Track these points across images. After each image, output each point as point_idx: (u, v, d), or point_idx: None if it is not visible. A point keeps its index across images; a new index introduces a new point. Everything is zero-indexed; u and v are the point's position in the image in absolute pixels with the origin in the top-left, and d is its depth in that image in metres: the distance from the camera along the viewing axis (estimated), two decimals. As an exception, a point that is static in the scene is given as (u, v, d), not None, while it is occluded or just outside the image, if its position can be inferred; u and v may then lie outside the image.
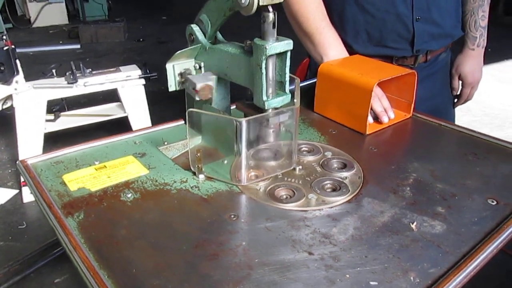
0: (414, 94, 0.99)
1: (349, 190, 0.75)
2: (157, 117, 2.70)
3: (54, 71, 2.32)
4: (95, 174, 0.80)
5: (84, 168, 0.81)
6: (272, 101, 0.77)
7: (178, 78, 0.91)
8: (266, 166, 0.81)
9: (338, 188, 0.75)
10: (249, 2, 0.70)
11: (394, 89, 1.02)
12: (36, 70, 4.15)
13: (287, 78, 0.79)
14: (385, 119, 0.96)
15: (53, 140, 2.82)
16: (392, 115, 0.98)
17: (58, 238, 0.66)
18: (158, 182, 0.78)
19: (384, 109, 0.98)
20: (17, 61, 2.22)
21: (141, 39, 5.17)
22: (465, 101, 1.35)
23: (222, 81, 0.89)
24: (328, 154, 0.86)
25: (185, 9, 7.01)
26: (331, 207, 0.71)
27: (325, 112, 1.01)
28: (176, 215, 0.69)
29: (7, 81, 2.23)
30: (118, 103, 2.55)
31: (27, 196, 2.32)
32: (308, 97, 1.05)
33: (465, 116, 3.24)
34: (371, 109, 0.97)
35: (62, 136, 2.80)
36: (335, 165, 0.83)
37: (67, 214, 0.69)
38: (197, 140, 0.88)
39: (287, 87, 0.80)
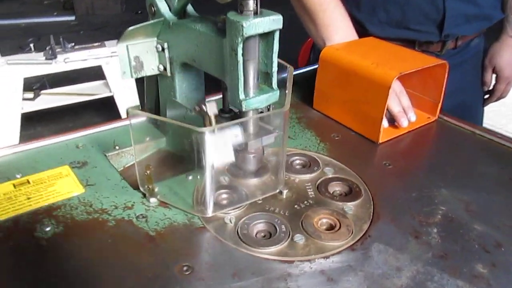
0: (442, 92, 0.77)
1: (352, 231, 0.54)
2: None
3: (32, 45, 2.11)
4: (13, 193, 0.59)
5: (0, 184, 0.61)
6: (253, 100, 0.56)
7: (133, 63, 0.69)
8: (242, 187, 0.60)
9: (337, 226, 0.54)
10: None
11: (417, 84, 0.80)
12: (27, 43, 3.91)
13: (275, 68, 0.57)
14: (404, 123, 0.74)
15: (33, 121, 2.62)
16: (413, 118, 0.76)
17: None
18: (93, 207, 0.57)
19: (403, 109, 0.76)
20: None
21: (140, 11, 4.90)
22: (498, 98, 1.12)
23: (193, 68, 0.67)
24: (328, 172, 0.64)
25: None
26: (326, 257, 0.50)
27: (327, 110, 0.80)
28: (106, 264, 0.49)
29: (-20, 55, 2.02)
30: (104, 81, 2.33)
31: None
32: (308, 88, 0.82)
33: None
34: (387, 109, 0.75)
35: (43, 116, 2.59)
36: (337, 189, 0.62)
37: (-47, 258, 0.49)
38: (146, 149, 0.66)
39: (275, 80, 0.58)
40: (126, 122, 0.77)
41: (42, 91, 2.25)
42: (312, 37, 0.89)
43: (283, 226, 0.54)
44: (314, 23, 0.85)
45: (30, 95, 2.20)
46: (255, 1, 0.51)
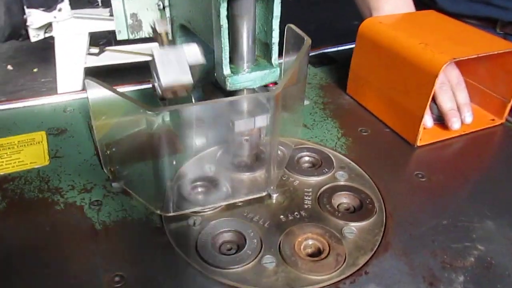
0: (516, 88, 0.58)
1: (343, 262, 0.40)
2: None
3: (100, 0, 2.10)
4: (-26, 155, 0.53)
5: (-35, 143, 0.55)
6: (240, 77, 0.44)
7: (130, 21, 0.60)
8: (225, 182, 0.49)
9: (326, 252, 0.42)
10: None
11: (484, 75, 0.62)
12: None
13: (276, 38, 0.45)
14: (455, 124, 0.58)
15: (102, 75, 2.66)
16: (469, 119, 0.59)
17: None
18: (48, 184, 0.49)
19: (458, 106, 0.59)
20: (63, -14, 2.02)
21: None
22: None
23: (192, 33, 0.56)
24: (341, 177, 0.51)
25: None
26: (299, 294, 0.38)
27: (361, 98, 0.65)
28: (32, 257, 0.41)
29: (50, 7, 2.05)
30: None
31: None
32: (345, 69, 0.68)
33: None
34: (435, 102, 0.59)
35: (107, 72, 2.62)
36: (344, 202, 0.48)
37: None
38: (109, 120, 0.55)
39: (275, 55, 0.45)
40: (129, 88, 0.69)
41: (107, 48, 2.26)
42: (359, 8, 0.73)
43: (254, 241, 0.42)
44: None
45: (95, 50, 2.21)
46: None
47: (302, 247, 0.42)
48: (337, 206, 0.47)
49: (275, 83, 0.48)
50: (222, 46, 0.42)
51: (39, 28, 2.01)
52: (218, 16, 0.41)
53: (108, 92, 0.42)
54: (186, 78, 0.44)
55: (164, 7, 0.57)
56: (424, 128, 0.56)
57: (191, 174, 0.49)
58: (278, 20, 0.44)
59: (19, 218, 0.45)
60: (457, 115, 0.58)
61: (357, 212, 0.46)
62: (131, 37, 0.60)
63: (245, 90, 0.46)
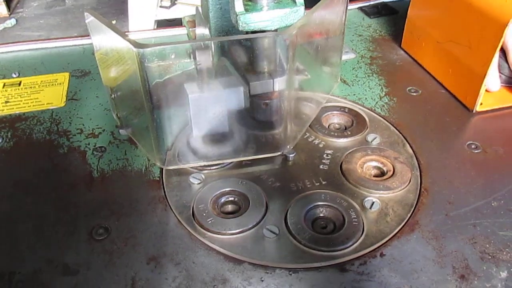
0: None
1: (360, 237, 0.34)
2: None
3: (173, -49, 2.07)
4: (-3, 93, 0.53)
5: (-8, 80, 0.55)
6: (255, 15, 0.38)
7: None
8: (241, 136, 0.44)
9: (338, 225, 0.35)
10: None
11: None
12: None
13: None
14: (530, 88, 0.47)
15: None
16: (550, 82, 0.48)
17: None
18: (58, 127, 0.47)
19: (537, 66, 0.48)
20: None
21: None
22: None
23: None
24: (373, 140, 0.43)
25: None
26: (296, 271, 0.32)
27: (416, 52, 0.55)
28: (23, 197, 0.39)
29: (125, -43, 2.06)
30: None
31: None
32: (404, 21, 0.58)
33: None
34: (506, 60, 0.48)
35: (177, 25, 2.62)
36: (372, 168, 0.41)
37: None
38: (114, 63, 0.51)
39: (302, -9, 0.38)
40: (168, 32, 0.65)
41: (178, 1, 2.25)
42: None
43: (258, 207, 0.37)
44: None
45: (167, 2, 2.21)
46: None
47: (317, 218, 0.36)
48: (362, 173, 0.40)
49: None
50: (234, -25, 0.36)
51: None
52: None
53: (108, 30, 0.37)
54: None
55: None
56: (487, 91, 0.46)
57: (200, 126, 0.44)
58: None
59: (22, 159, 0.43)
60: (534, 76, 0.47)
61: (385, 180, 0.39)
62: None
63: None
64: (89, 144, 0.44)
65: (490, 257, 0.33)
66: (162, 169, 0.41)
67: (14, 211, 0.37)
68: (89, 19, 0.39)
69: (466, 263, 0.33)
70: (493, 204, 0.37)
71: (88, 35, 0.63)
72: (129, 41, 0.33)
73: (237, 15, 0.37)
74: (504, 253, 0.34)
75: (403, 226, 0.36)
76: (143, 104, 0.36)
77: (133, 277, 0.32)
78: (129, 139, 0.45)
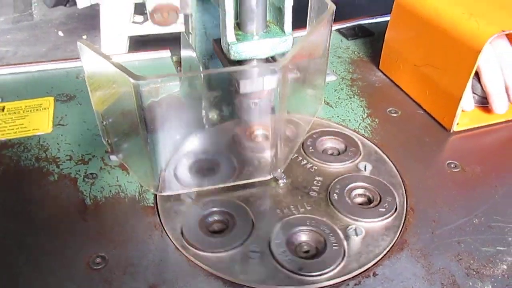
0: None
1: (343, 257, 0.36)
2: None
3: (145, -33, 2.07)
4: (-20, 119, 0.52)
5: (-27, 106, 0.54)
6: (248, 46, 0.39)
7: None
8: (231, 159, 0.45)
9: (323, 249, 0.37)
10: None
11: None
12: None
13: (289, 2, 0.39)
14: (500, 108, 0.50)
15: (140, 45, 2.67)
16: (518, 102, 0.51)
17: None
18: (46, 153, 0.47)
19: (506, 87, 0.51)
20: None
21: None
22: None
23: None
24: (363, 167, 0.45)
25: None
26: (294, 293, 0.33)
27: (394, 74, 0.58)
28: (21, 228, 0.38)
29: (97, -27, 2.05)
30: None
31: None
32: (382, 43, 0.60)
33: None
34: (479, 81, 0.51)
35: (151, 42, 2.62)
36: (357, 198, 0.42)
37: None
38: (105, 90, 0.52)
39: (288, 21, 0.40)
40: (148, 56, 0.65)
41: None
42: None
43: (244, 227, 0.38)
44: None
45: (139, 18, 2.21)
46: None
47: (297, 241, 0.37)
48: (351, 198, 0.42)
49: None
50: (226, 8, 0.37)
51: (86, -5, 2.02)
52: (221, -26, 0.36)
53: (100, 58, 0.38)
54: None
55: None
56: (463, 111, 0.49)
57: (190, 152, 0.45)
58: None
59: (12, 187, 0.43)
60: (505, 97, 0.50)
61: (373, 208, 0.41)
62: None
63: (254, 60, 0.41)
64: (79, 170, 0.45)
65: (475, 272, 0.35)
66: (155, 195, 0.42)
67: (5, 242, 0.37)
68: (82, 49, 0.40)
69: (453, 279, 0.35)
70: (474, 221, 0.40)
71: (70, 59, 0.63)
72: (127, 72, 0.34)
73: (229, 45, 0.39)
74: (487, 268, 0.36)
75: (392, 246, 0.37)
76: (135, 129, 0.37)
77: (135, 306, 0.32)
78: (121, 165, 0.45)
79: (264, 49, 0.40)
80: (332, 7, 0.44)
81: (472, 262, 0.36)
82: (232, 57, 0.39)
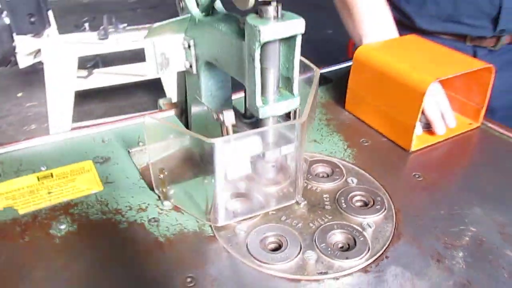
0: (487, 96, 0.70)
1: (368, 249, 0.50)
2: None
3: (86, 24, 2.16)
4: (35, 186, 0.61)
5: (24, 176, 0.63)
6: (270, 107, 0.53)
7: (159, 59, 0.69)
8: (258, 195, 0.58)
9: (352, 243, 0.51)
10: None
11: (460, 86, 0.73)
12: (82, 23, 4.03)
13: (296, 74, 0.54)
14: (440, 130, 0.69)
15: (86, 98, 2.72)
16: (452, 124, 0.70)
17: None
18: (108, 207, 0.57)
19: (442, 114, 0.70)
20: (50, 12, 2.07)
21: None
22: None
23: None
24: (352, 182, 0.61)
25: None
26: (336, 278, 0.48)
27: (359, 113, 0.75)
28: (112, 268, 0.49)
29: (38, 33, 2.10)
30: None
31: None
32: (345, 86, 0.78)
33: None
34: (422, 113, 0.70)
35: (96, 94, 2.69)
36: (357, 203, 0.58)
37: (-28, 250, 0.51)
38: (166, 149, 0.65)
39: (296, 86, 0.55)
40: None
41: (95, 70, 2.32)
42: (350, 33, 0.84)
43: (294, 241, 0.52)
44: (352, 17, 0.80)
45: (83, 73, 2.27)
46: (276, 7, 0.48)
47: (334, 242, 0.52)
48: (353, 205, 0.57)
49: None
50: (255, 83, 0.52)
51: (28, 54, 2.06)
52: (253, 59, 0.50)
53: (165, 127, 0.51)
54: (246, 170, 0.53)
55: (189, 46, 0.66)
56: (416, 136, 0.67)
57: (232, 190, 0.58)
58: (298, 59, 0.53)
59: (92, 237, 0.53)
60: (442, 121, 0.69)
61: (370, 208, 0.56)
62: (160, 73, 0.70)
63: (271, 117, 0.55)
64: (142, 217, 0.56)
65: (450, 245, 0.52)
66: (211, 226, 0.54)
67: (108, 279, 0.48)
68: (148, 121, 0.52)
69: (437, 252, 0.51)
70: (441, 212, 0.56)
71: (92, 125, 0.74)
72: (200, 137, 0.47)
73: (257, 108, 0.53)
74: (457, 241, 0.52)
75: (392, 237, 0.53)
76: (193, 177, 0.50)
77: (231, 305, 0.45)
78: (174, 208, 0.57)
79: (281, 108, 0.54)
80: (317, 71, 0.60)
81: (446, 239, 0.52)
82: (260, 116, 0.54)
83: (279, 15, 0.49)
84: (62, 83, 2.16)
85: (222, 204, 0.54)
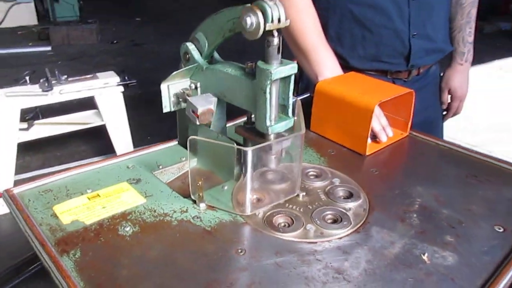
0: (411, 113, 0.98)
1: (350, 223, 0.72)
2: (135, 123, 2.64)
3: (27, 78, 2.23)
4: (88, 204, 0.75)
5: (75, 198, 0.77)
6: (276, 126, 0.75)
7: (173, 99, 0.87)
8: (269, 191, 0.78)
9: (339, 220, 0.73)
10: (254, 26, 0.67)
11: (391, 107, 1.01)
12: (5, 73, 3.99)
13: (291, 102, 0.77)
14: (383, 138, 0.95)
15: (26, 150, 2.72)
16: (390, 133, 0.97)
17: (52, 277, 0.62)
18: (157, 212, 0.74)
19: (383, 127, 0.96)
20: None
21: (115, 41, 5.05)
22: (454, 114, 1.36)
23: (219, 102, 0.85)
24: (336, 181, 0.83)
25: (159, 10, 6.89)
26: (340, 238, 0.69)
27: (323, 132, 0.99)
28: (180, 251, 0.66)
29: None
30: (95, 110, 2.47)
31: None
32: (305, 113, 1.01)
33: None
34: (370, 128, 0.95)
35: (35, 146, 2.70)
36: (341, 194, 0.80)
37: (62, 252, 0.64)
38: (192, 163, 0.84)
39: (290, 111, 0.77)
40: (163, 146, 0.94)
41: (36, 121, 2.36)
42: (306, 71, 1.09)
43: (299, 219, 0.72)
44: (308, 61, 1.06)
45: (24, 125, 2.30)
46: (278, 37, 0.70)
47: (326, 219, 0.73)
48: (338, 196, 0.79)
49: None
50: (266, 108, 0.73)
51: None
52: (264, 92, 0.72)
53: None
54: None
55: (196, 88, 0.87)
56: (368, 144, 0.92)
57: (254, 188, 0.78)
58: (292, 91, 0.76)
59: (155, 233, 0.69)
60: (384, 132, 0.95)
61: (351, 198, 0.79)
62: (173, 109, 0.88)
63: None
64: (186, 216, 0.73)
65: (407, 211, 0.75)
66: (241, 216, 0.73)
67: (179, 263, 0.64)
68: (193, 140, 0.71)
69: (400, 215, 0.74)
70: (396, 192, 0.81)
71: (115, 157, 0.89)
72: (237, 147, 0.67)
73: (267, 127, 0.74)
74: (411, 208, 0.76)
75: (368, 210, 0.76)
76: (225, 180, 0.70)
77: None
78: (208, 207, 0.75)
79: (282, 126, 0.76)
80: (299, 101, 0.83)
81: (404, 207, 0.76)
82: (270, 133, 0.75)
83: (281, 62, 0.71)
84: (5, 136, 2.18)
85: (248, 199, 0.73)
